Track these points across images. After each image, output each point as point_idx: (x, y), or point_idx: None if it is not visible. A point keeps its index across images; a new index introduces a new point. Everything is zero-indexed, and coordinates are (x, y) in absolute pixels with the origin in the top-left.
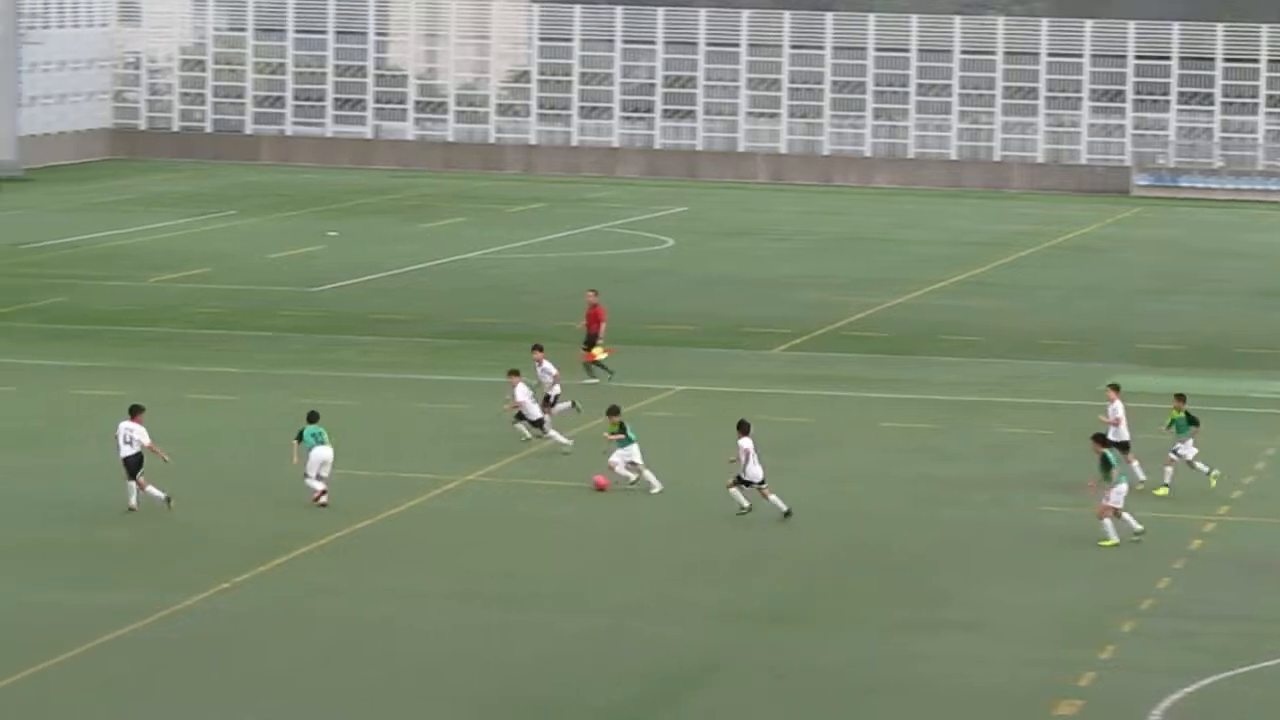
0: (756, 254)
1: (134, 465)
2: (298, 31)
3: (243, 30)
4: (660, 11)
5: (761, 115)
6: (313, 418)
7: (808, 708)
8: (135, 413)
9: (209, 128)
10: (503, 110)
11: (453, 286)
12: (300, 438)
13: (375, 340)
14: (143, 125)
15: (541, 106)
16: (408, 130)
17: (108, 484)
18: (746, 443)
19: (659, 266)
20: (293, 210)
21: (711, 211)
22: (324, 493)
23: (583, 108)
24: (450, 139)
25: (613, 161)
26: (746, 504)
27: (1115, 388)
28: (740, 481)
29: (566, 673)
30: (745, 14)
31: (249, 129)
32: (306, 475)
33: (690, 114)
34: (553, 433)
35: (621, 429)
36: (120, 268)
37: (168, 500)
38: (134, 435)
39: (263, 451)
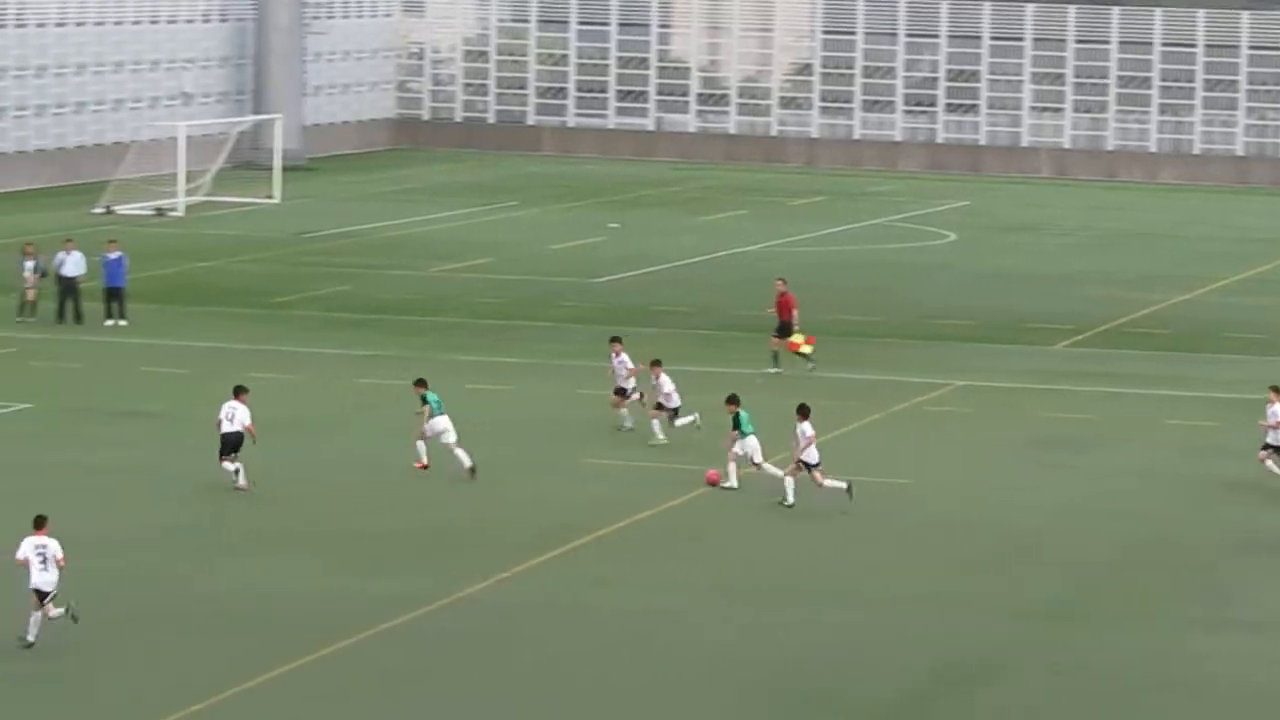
0: (1039, 249)
1: (233, 443)
2: (581, 23)
3: (526, 21)
4: (944, 5)
5: (1045, 110)
6: (423, 383)
7: (1088, 705)
8: (239, 393)
9: (491, 118)
10: (785, 103)
11: (732, 279)
12: (426, 402)
13: (655, 332)
14: (425, 115)
15: (824, 100)
16: (689, 122)
17: (386, 472)
18: (807, 428)
19: (940, 261)
20: (574, 201)
21: (994, 206)
22: (426, 466)
23: (865, 101)
24: (732, 131)
25: (894, 155)
26: (791, 500)
27: (1277, 390)
28: (803, 466)
29: (847, 665)
30: (1030, 8)
31: (531, 120)
32: (426, 439)
33: (974, 108)
34: (655, 423)
35: (736, 422)
36: (402, 257)
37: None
38: (236, 414)
39: (539, 442)
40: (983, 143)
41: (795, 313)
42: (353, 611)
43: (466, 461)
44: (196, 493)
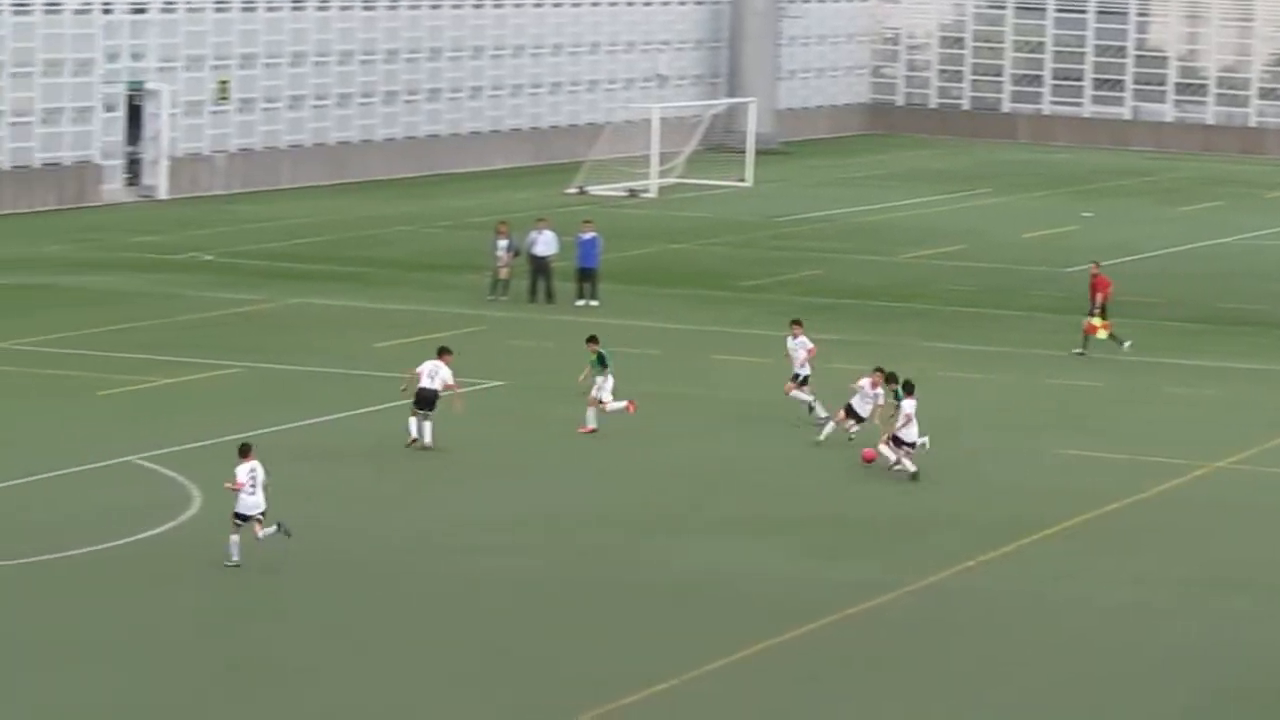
0: None
1: (428, 401)
2: (1058, 10)
3: (1002, 8)
4: None
5: None
6: (595, 340)
7: None
8: (443, 353)
9: (966, 105)
10: (1264, 94)
11: (1205, 271)
12: (602, 362)
13: (1126, 322)
14: (899, 101)
15: None
16: (1166, 112)
17: (853, 458)
18: (910, 405)
19: None
20: (1047, 190)
21: None
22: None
23: None
24: (1209, 122)
25: None
26: (893, 458)
27: None
28: (896, 441)
29: None
30: None
31: (1006, 107)
32: (602, 402)
33: None
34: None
35: (897, 395)
36: (872, 242)
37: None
38: (438, 373)
39: (1009, 431)
40: None
41: (1099, 296)
42: (817, 596)
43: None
44: (667, 474)
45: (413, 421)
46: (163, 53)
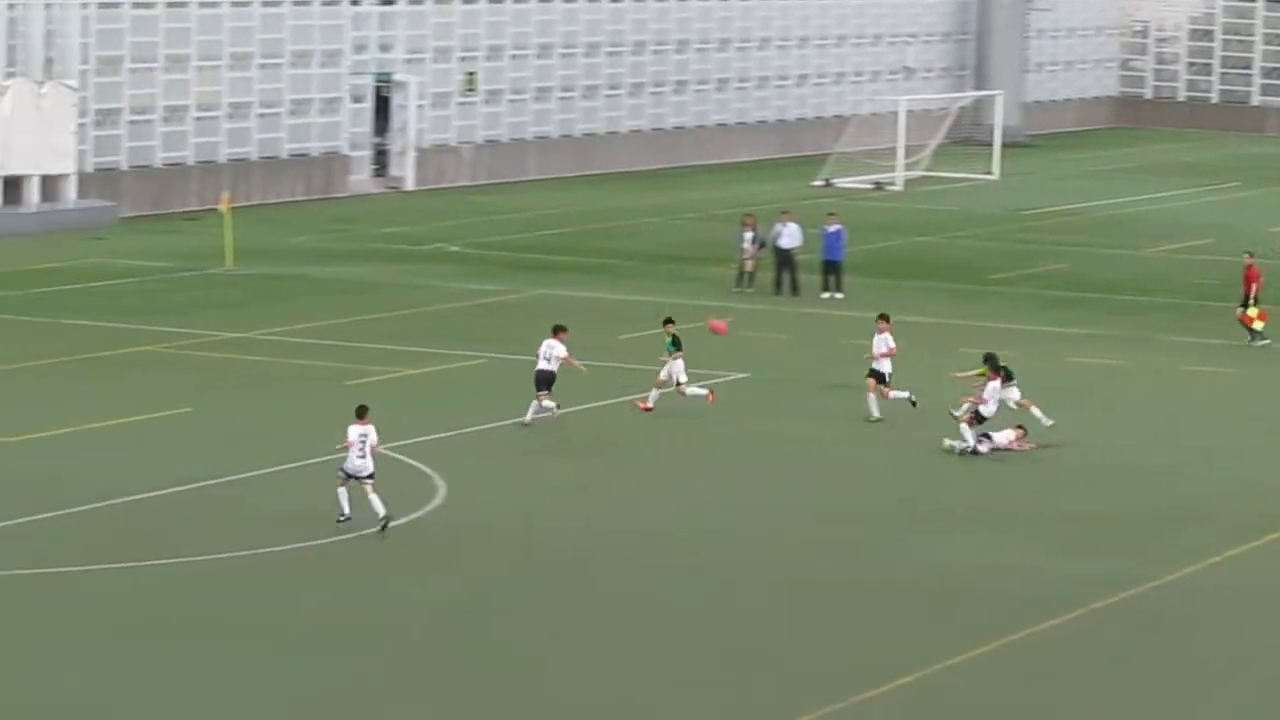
0: None
1: (545, 380)
2: None
3: (1253, 0)
4: None
5: None
6: (671, 322)
7: None
8: (557, 331)
9: (1215, 98)
10: None
11: None
12: (676, 344)
13: None
14: (1148, 94)
15: None
16: None
17: (1105, 451)
18: (1001, 388)
19: None
20: None
21: None
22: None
23: None
24: None
25: None
26: (970, 444)
27: None
28: (978, 418)
29: None
30: None
31: (1255, 100)
32: (679, 384)
33: None
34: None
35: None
36: (1119, 236)
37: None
38: (553, 352)
39: (1261, 426)
40: None
41: (1254, 286)
42: (1058, 592)
43: (694, 389)
44: (905, 467)
45: (545, 403)
46: (410, 44)
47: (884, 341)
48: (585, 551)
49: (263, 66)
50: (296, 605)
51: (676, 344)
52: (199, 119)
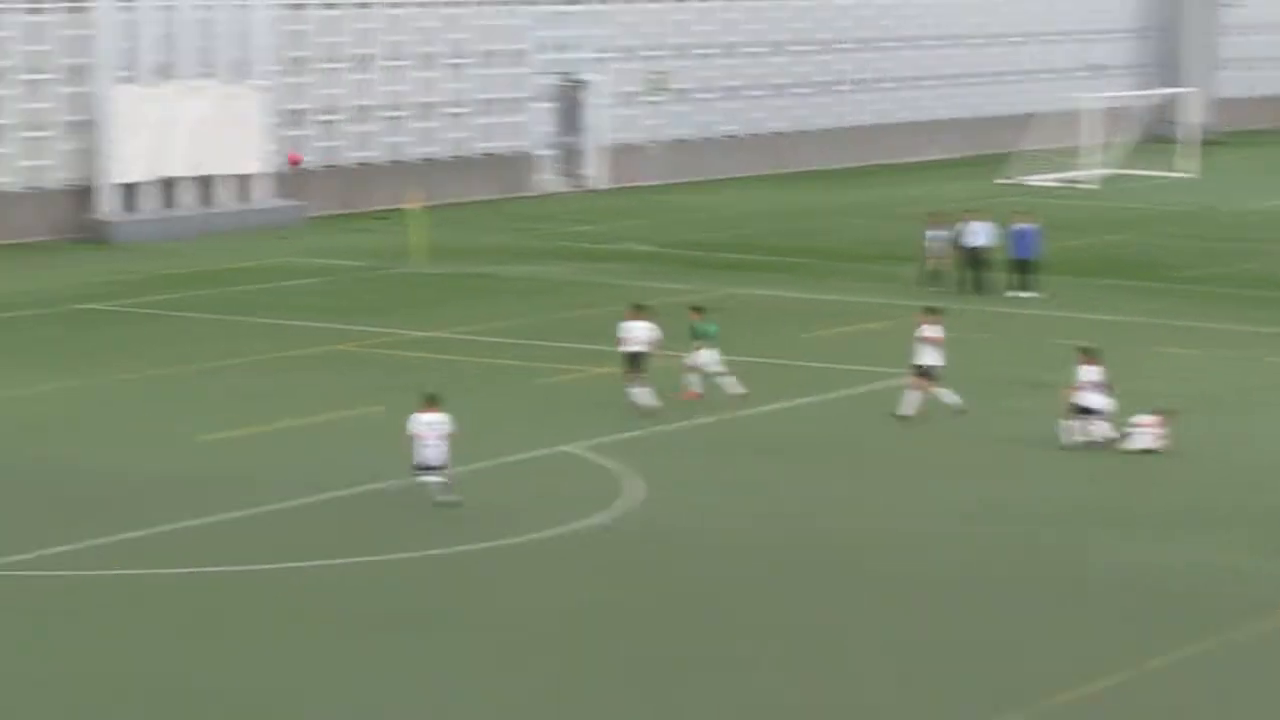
0: None
1: (635, 362)
2: None
3: None
4: None
5: None
6: (699, 310)
7: None
8: (640, 310)
9: None
10: None
11: None
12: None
13: None
14: None
15: None
16: None
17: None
18: (1090, 373)
19: None
20: None
21: None
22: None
23: None
24: None
25: None
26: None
27: None
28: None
29: None
30: None
31: None
32: (699, 371)
33: None
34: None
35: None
36: None
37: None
38: (631, 333)
39: None
40: None
41: None
42: (1264, 594)
43: (735, 389)
44: (1103, 468)
45: (634, 391)
46: (596, 43)
47: (932, 331)
48: (783, 551)
49: (450, 66)
50: (493, 603)
51: (705, 333)
52: (387, 118)
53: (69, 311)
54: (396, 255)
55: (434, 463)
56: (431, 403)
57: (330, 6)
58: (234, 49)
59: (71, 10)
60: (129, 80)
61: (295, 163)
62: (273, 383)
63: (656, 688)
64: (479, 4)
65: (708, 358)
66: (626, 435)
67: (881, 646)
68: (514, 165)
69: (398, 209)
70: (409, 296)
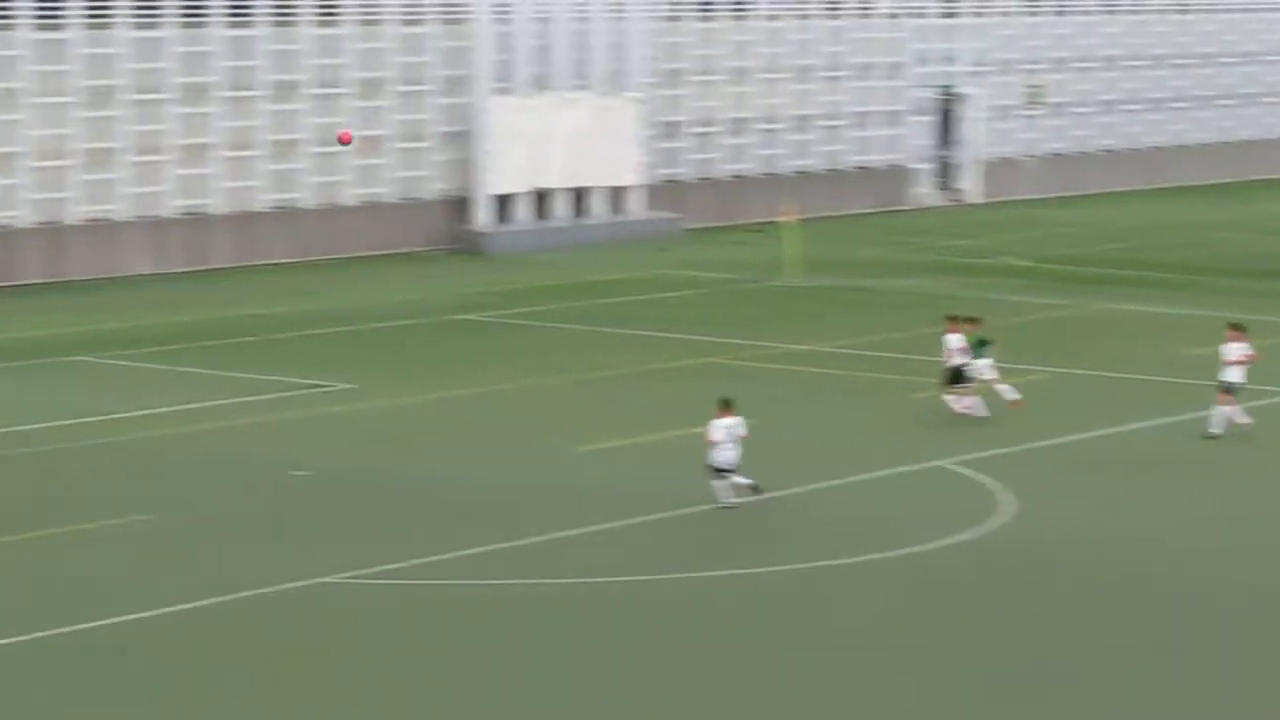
0: None
1: (955, 377)
2: None
3: None
4: None
5: None
6: (955, 320)
7: None
8: (961, 322)
9: None
10: None
11: None
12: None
13: None
14: None
15: None
16: None
17: None
18: (1236, 349)
19: None
20: None
21: None
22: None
23: None
24: None
25: None
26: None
27: None
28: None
29: None
30: None
31: None
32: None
33: None
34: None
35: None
36: None
37: None
38: (949, 342)
39: None
40: None
41: None
42: None
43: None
44: None
45: (949, 398)
46: (973, 56)
47: (1240, 349)
48: (1156, 568)
49: (826, 78)
50: (866, 618)
51: (980, 343)
52: (762, 131)
53: (446, 322)
54: (771, 268)
55: (727, 465)
56: (726, 407)
57: (707, 19)
58: (609, 61)
59: (448, 22)
60: (505, 92)
61: (345, 141)
62: (648, 394)
63: (1023, 704)
64: (860, 16)
65: (983, 366)
66: (1001, 451)
67: (1250, 663)
68: (889, 178)
69: (772, 222)
70: (783, 309)
